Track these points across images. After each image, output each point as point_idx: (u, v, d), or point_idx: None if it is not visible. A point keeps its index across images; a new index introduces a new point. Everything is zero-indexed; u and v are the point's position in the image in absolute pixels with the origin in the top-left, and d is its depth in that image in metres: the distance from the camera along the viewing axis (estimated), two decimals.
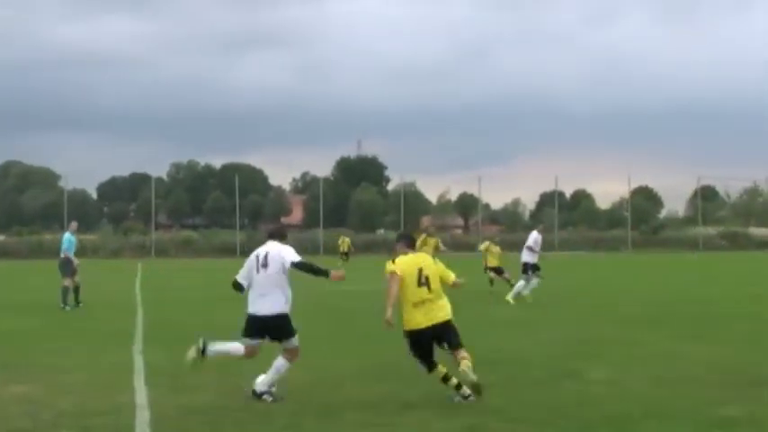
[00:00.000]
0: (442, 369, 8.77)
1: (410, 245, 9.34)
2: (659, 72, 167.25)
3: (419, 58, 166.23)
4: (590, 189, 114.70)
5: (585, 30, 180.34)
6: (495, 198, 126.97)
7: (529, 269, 20.14)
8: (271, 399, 8.70)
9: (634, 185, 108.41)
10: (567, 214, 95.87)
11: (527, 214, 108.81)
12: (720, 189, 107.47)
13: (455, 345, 8.74)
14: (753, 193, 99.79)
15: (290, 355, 8.94)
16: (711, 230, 79.33)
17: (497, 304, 19.40)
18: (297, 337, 8.98)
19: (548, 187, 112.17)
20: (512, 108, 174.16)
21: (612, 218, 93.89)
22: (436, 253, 20.92)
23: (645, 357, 11.50)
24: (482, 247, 22.90)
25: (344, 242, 46.07)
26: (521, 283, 20.10)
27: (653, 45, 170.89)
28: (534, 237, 20.59)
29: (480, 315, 17.08)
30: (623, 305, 19.19)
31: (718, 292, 22.87)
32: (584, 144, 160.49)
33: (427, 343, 8.78)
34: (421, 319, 8.71)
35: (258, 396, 8.75)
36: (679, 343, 12.88)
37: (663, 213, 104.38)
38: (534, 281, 20.07)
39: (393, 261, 9.01)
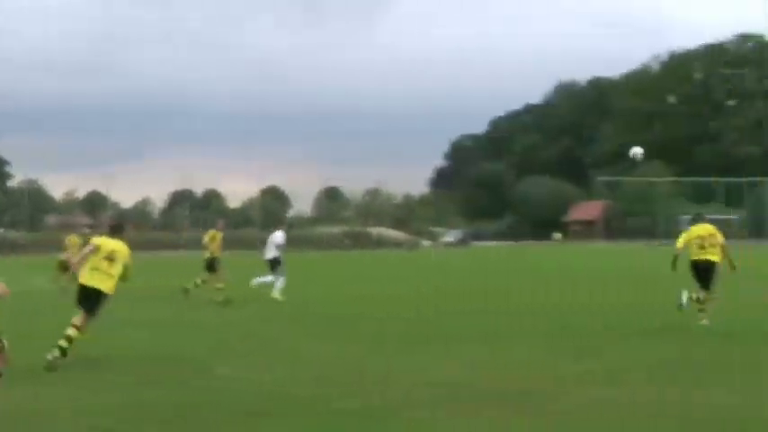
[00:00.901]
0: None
1: (113, 232, 11.60)
2: (293, 75, 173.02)
3: (53, 52, 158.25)
4: (221, 188, 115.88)
5: (224, 31, 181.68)
6: (125, 196, 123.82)
7: (277, 265, 20.62)
8: None
9: (264, 185, 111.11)
10: (199, 213, 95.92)
11: (157, 213, 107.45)
12: (345, 190, 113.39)
13: (93, 312, 10.95)
14: (374, 194, 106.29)
15: None
16: (336, 230, 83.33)
17: (137, 302, 18.98)
18: None
19: (179, 186, 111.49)
20: (144, 106, 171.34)
21: (243, 217, 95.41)
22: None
23: (273, 355, 11.87)
24: (207, 237, 21.40)
25: None
26: (280, 279, 20.42)
27: (288, 48, 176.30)
28: (281, 235, 21.06)
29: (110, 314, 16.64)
30: (256, 303, 19.56)
31: (348, 291, 24.02)
32: (215, 143, 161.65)
33: (86, 299, 10.94)
34: (88, 279, 10.97)
35: None
36: (306, 341, 13.38)
37: (291, 213, 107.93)
38: (271, 277, 20.63)
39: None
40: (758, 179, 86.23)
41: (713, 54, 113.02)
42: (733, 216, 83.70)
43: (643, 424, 7.53)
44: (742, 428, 7.41)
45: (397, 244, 79.34)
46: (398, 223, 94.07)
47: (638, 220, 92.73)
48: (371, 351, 12.10)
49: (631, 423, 7.56)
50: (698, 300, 14.46)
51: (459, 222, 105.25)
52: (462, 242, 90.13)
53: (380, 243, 79.58)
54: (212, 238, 21.13)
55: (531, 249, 65.62)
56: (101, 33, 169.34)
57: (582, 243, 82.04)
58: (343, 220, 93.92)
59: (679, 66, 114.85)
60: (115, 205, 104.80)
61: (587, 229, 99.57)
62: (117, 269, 11.11)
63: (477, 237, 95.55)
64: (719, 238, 14.55)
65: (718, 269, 14.44)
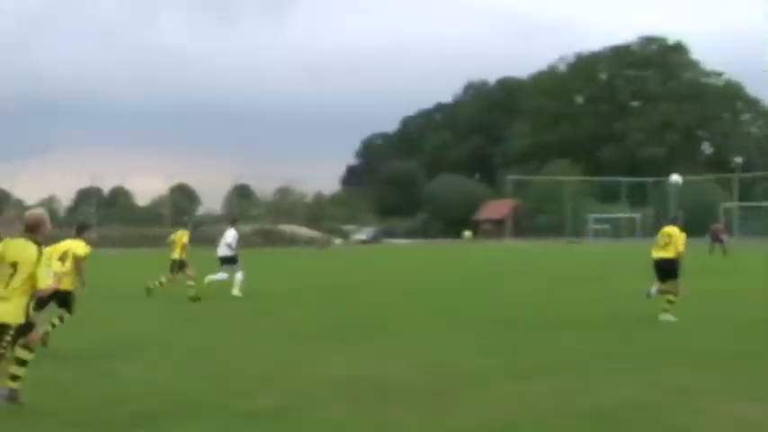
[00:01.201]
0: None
1: (77, 232, 12.27)
2: (203, 73, 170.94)
3: None
4: (128, 186, 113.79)
5: (130, 26, 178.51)
6: (29, 194, 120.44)
7: (232, 262, 21.03)
8: None
9: (173, 183, 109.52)
10: (106, 210, 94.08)
11: (63, 211, 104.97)
12: (255, 188, 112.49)
13: (69, 311, 11.93)
14: (285, 192, 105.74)
15: None
16: (247, 228, 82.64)
17: None
18: None
19: (85, 183, 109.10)
20: (49, 101, 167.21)
21: (152, 215, 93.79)
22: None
23: (177, 354, 11.70)
24: (174, 236, 20.58)
25: None
26: (238, 274, 20.79)
27: (199, 47, 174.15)
28: (232, 234, 21.30)
29: None
30: (159, 301, 19.26)
31: (257, 289, 23.77)
32: (123, 140, 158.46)
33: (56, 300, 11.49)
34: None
35: None
36: (215, 339, 13.22)
37: (201, 211, 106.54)
38: (222, 275, 21.01)
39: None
40: (663, 179, 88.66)
41: (618, 56, 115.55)
42: (636, 214, 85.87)
43: (550, 421, 7.62)
44: (644, 427, 7.55)
45: (309, 242, 79.04)
46: (310, 221, 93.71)
47: (547, 219, 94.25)
48: (280, 349, 12.03)
49: (537, 420, 7.66)
50: (658, 292, 15.34)
51: (371, 220, 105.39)
52: (374, 240, 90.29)
53: (293, 241, 79.16)
54: (179, 238, 20.39)
55: (442, 247, 66.13)
56: (9, 27, 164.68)
57: (492, 241, 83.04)
58: (254, 219, 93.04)
59: (585, 67, 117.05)
60: (19, 202, 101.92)
61: (497, 228, 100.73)
62: (69, 265, 11.89)
63: (390, 234, 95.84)
64: (673, 237, 15.32)
65: (674, 264, 15.23)
